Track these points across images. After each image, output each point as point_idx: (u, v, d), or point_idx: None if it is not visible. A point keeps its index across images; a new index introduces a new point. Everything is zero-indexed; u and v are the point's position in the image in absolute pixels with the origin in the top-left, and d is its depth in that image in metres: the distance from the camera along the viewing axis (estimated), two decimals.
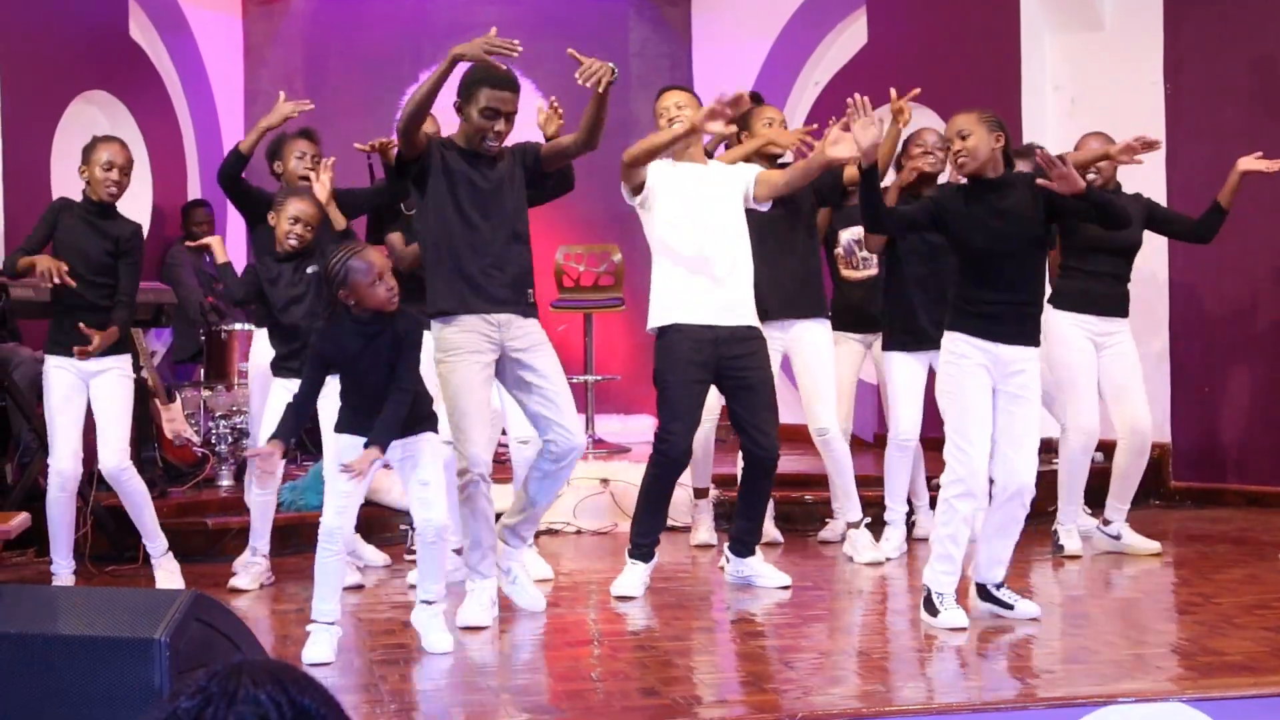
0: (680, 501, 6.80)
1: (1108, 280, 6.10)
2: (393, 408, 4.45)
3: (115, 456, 5.51)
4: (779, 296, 5.96)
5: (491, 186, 4.95)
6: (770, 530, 6.44)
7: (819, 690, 4.01)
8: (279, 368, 5.62)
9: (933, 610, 4.78)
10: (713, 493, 6.66)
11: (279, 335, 5.64)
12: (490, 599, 4.97)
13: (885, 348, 6.17)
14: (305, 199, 5.63)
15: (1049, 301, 5.97)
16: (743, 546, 5.58)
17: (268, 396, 5.64)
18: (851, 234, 6.41)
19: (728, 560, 5.63)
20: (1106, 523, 6.22)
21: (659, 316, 5.43)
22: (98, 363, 5.51)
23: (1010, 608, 4.88)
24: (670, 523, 6.79)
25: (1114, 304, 6.15)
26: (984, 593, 4.94)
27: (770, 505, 6.42)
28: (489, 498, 4.92)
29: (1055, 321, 5.99)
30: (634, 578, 5.43)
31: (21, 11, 7.41)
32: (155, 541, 5.65)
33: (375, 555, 6.15)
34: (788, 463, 7.06)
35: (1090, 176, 5.93)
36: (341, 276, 4.40)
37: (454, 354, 4.91)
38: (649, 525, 5.48)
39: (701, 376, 5.38)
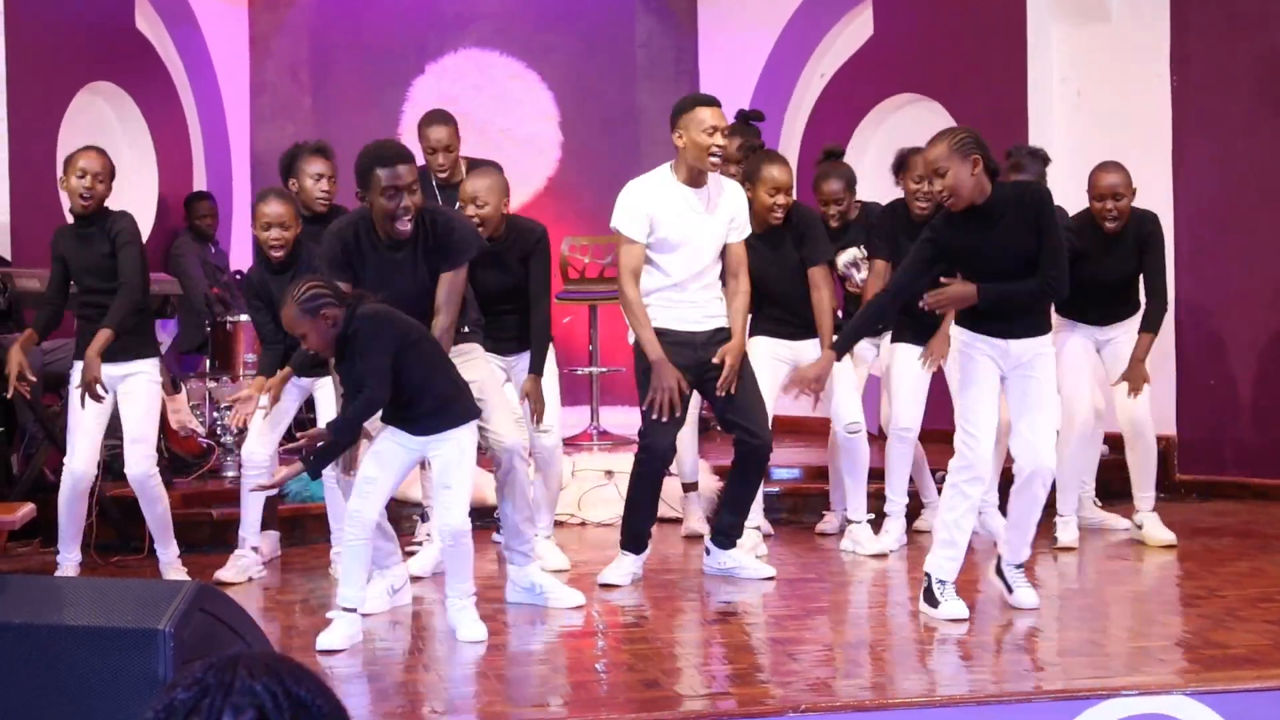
0: (676, 494, 6.81)
1: (1102, 301, 6.09)
2: (350, 409, 4.51)
3: (143, 464, 5.52)
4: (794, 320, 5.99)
5: (402, 275, 4.85)
6: (764, 523, 6.44)
7: (822, 682, 4.01)
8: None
9: (933, 601, 4.77)
10: (707, 484, 6.65)
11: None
12: (389, 587, 5.05)
13: (894, 339, 6.18)
14: (274, 199, 5.55)
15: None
16: (726, 539, 5.58)
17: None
18: (846, 258, 6.36)
19: (708, 553, 5.63)
20: (1136, 511, 6.28)
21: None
22: (125, 366, 5.49)
23: (1010, 591, 4.88)
24: (671, 514, 6.81)
25: (1113, 313, 6.13)
26: (999, 569, 4.93)
27: (760, 497, 6.41)
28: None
29: (1055, 325, 6.00)
30: (622, 568, 5.48)
31: (28, 3, 7.41)
32: (167, 548, 5.63)
33: None
34: (789, 455, 7.09)
35: (1111, 223, 5.98)
36: None
37: None
38: (639, 520, 5.51)
39: (684, 378, 5.38)
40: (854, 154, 8.91)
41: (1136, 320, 6.16)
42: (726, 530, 5.58)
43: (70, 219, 5.65)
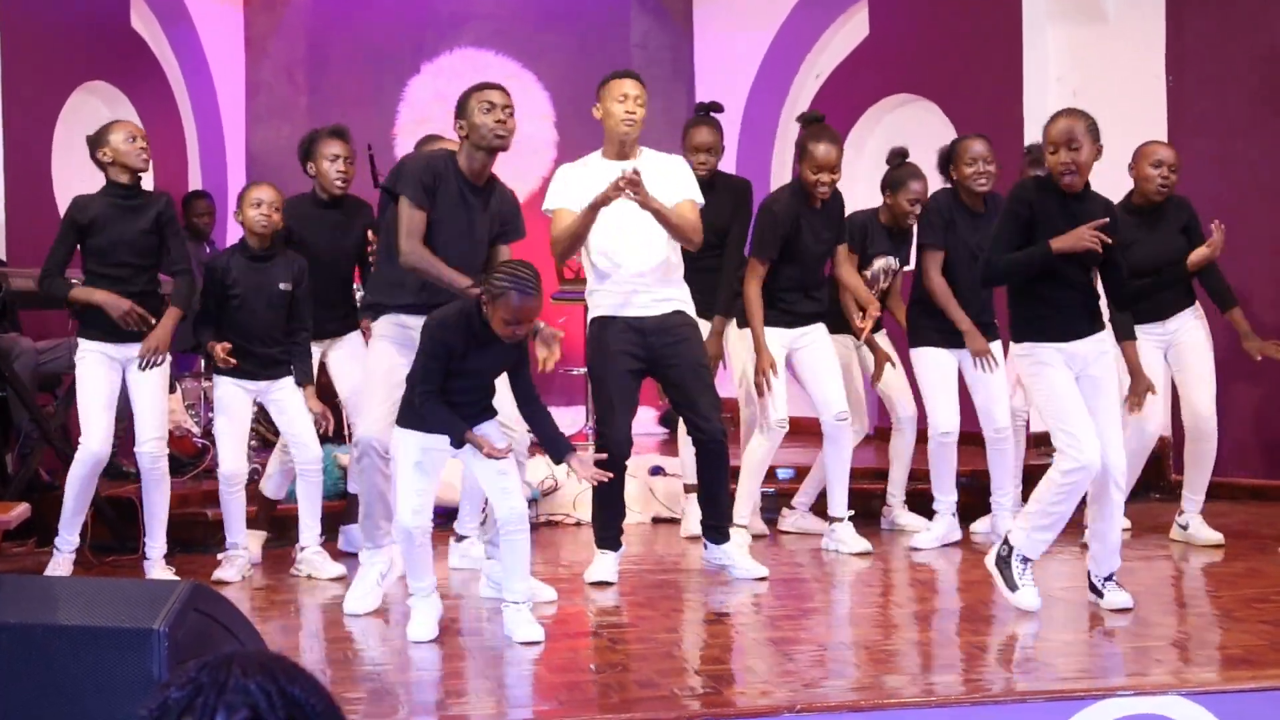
0: (672, 494, 6.81)
1: (1157, 288, 6.06)
2: (547, 420, 4.58)
3: (159, 443, 5.55)
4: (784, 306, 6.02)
5: (478, 219, 5.04)
6: (756, 523, 6.46)
7: (818, 682, 4.01)
8: (219, 368, 5.65)
9: (1010, 582, 4.78)
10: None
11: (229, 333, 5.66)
12: (379, 576, 5.05)
13: (914, 344, 6.17)
14: (264, 185, 5.68)
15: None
16: (715, 533, 5.59)
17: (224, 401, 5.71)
18: (883, 264, 6.40)
19: (706, 548, 5.65)
20: (1181, 512, 6.26)
21: (592, 309, 5.50)
22: (136, 348, 5.49)
23: (1101, 596, 4.87)
24: (667, 514, 6.82)
25: (1166, 306, 6.10)
26: (1093, 586, 4.91)
27: (757, 498, 6.44)
28: (384, 472, 5.01)
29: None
30: (606, 564, 5.49)
31: (23, 2, 7.40)
32: (157, 541, 5.62)
33: None
34: (787, 455, 7.09)
35: (1163, 189, 6.07)
36: (497, 294, 4.36)
37: (382, 339, 5.10)
38: (608, 518, 5.52)
39: (633, 366, 5.42)
40: (850, 154, 8.89)
41: (1195, 310, 6.17)
42: (713, 524, 5.61)
43: (92, 192, 5.54)
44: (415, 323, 4.85)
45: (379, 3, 9.68)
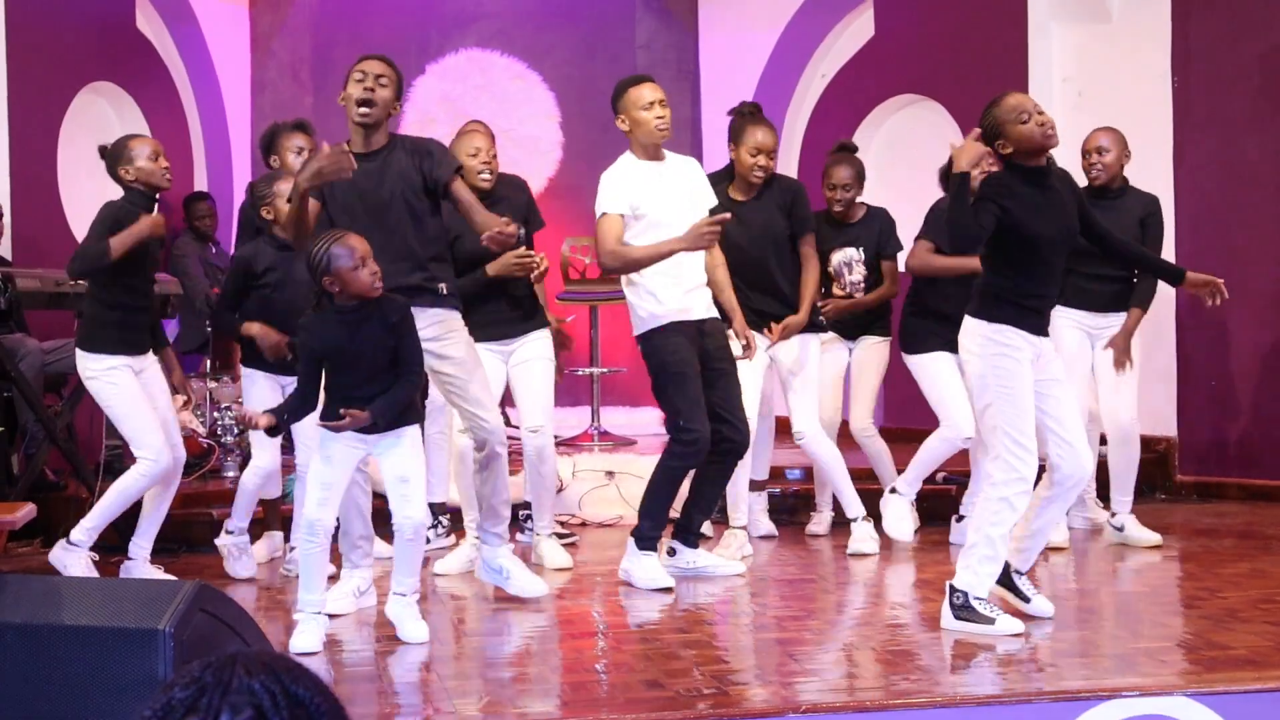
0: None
1: (1102, 280, 6.07)
2: (401, 389, 4.47)
3: (183, 448, 5.60)
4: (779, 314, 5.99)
5: (374, 184, 4.89)
6: (765, 524, 6.46)
7: (823, 683, 4.01)
8: (249, 359, 5.71)
9: (982, 618, 4.52)
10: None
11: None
12: (356, 588, 5.04)
13: (914, 350, 6.13)
14: (289, 177, 5.67)
15: None
16: (696, 537, 5.60)
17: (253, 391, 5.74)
18: (842, 256, 6.37)
19: (672, 553, 5.59)
20: (1113, 515, 6.23)
21: (654, 318, 5.41)
22: (148, 358, 5.51)
23: (1027, 600, 4.75)
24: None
25: (1108, 300, 6.15)
26: (1007, 580, 4.74)
27: (764, 498, 6.45)
28: (363, 487, 4.98)
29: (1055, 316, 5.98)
30: (660, 568, 5.40)
31: (29, 3, 7.41)
32: (149, 542, 5.62)
33: (384, 547, 6.14)
34: (790, 455, 7.09)
35: (1097, 174, 6.11)
36: (325, 264, 4.34)
37: None
38: (663, 517, 5.49)
39: (698, 368, 5.42)
40: None
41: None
42: (696, 530, 5.60)
43: (116, 199, 5.48)
44: None
45: (384, 3, 9.68)
